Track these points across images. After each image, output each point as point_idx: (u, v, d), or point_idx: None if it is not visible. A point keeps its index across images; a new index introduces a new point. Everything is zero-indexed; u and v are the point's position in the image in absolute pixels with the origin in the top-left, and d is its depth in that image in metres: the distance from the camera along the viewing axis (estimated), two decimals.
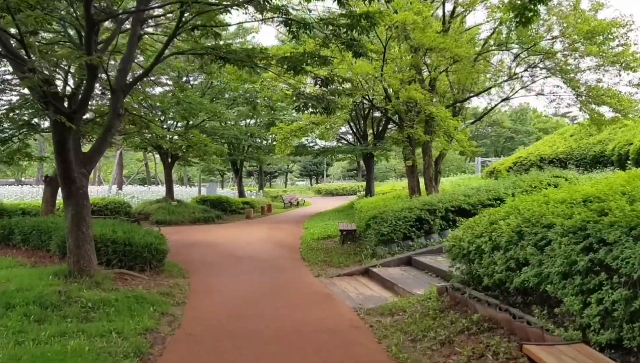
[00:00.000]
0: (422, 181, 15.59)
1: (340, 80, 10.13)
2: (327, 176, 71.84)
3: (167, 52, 9.45)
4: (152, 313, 6.94)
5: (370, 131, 27.34)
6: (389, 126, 27.01)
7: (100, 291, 7.56)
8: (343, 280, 9.81)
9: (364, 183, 49.00)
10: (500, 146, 65.17)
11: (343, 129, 30.86)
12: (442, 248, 10.62)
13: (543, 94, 14.55)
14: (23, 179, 56.34)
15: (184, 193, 33.35)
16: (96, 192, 30.00)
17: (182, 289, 8.81)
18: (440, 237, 11.23)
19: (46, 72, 7.92)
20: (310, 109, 9.63)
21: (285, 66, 9.95)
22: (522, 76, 14.28)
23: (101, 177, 57.62)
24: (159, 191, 31.05)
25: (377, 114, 27.44)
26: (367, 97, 14.90)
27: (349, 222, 17.53)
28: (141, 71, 17.94)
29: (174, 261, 11.28)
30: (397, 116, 14.64)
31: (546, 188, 11.96)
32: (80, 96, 8.10)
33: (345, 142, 30.77)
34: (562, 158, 21.92)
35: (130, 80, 9.19)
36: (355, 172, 67.10)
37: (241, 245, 14.68)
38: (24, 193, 27.04)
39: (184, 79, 23.66)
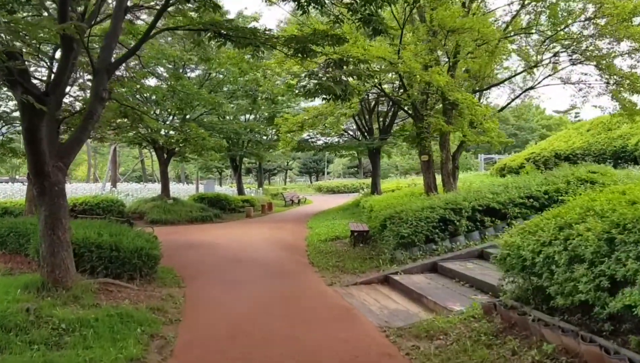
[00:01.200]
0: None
1: (356, 61, 8.89)
2: (328, 173, 70.59)
3: (159, 26, 8.22)
4: (139, 336, 5.72)
5: (375, 126, 26.09)
6: (396, 120, 25.83)
7: (77, 307, 6.33)
8: (361, 289, 8.59)
9: (365, 181, 47.91)
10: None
11: (344, 125, 29.55)
12: (472, 252, 9.49)
13: (572, 83, 13.34)
14: (17, 177, 54.93)
15: (181, 190, 32.11)
16: (89, 190, 28.75)
17: (176, 301, 7.58)
18: (467, 240, 10.02)
19: (18, 45, 6.70)
20: (323, 95, 8.41)
21: (292, 49, 8.77)
22: (550, 62, 13.05)
23: (97, 175, 56.33)
24: (155, 188, 29.75)
25: (382, 108, 26.28)
26: (378, 86, 13.67)
27: (357, 221, 16.35)
28: (138, 63, 16.79)
29: (168, 266, 10.08)
30: (411, 106, 13.41)
31: (582, 185, 10.84)
32: (54, 75, 6.85)
33: (348, 137, 29.46)
34: (579, 153, 20.78)
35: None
36: (356, 169, 65.96)
37: (242, 247, 13.46)
38: (14, 191, 25.77)
39: (181, 70, 22.40)
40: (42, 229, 6.74)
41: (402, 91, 12.88)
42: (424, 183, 13.89)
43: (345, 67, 8.54)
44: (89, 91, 17.16)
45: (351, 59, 9.00)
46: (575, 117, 78.37)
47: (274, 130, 30.10)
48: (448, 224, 10.01)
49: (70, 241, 6.97)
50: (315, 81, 7.95)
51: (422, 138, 12.26)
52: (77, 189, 28.20)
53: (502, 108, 14.63)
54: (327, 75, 7.88)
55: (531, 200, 10.41)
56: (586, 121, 25.97)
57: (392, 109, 24.70)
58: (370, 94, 22.04)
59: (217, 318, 6.72)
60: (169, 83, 17.08)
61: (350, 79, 8.89)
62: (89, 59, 7.22)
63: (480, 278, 7.77)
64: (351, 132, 30.06)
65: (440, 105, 13.51)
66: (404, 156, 43.62)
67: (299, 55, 8.95)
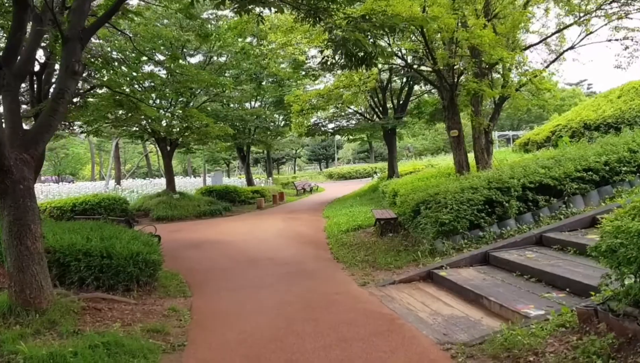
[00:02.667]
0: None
1: (381, 17, 7.39)
2: (337, 159, 69.07)
3: None
4: None
5: (389, 105, 24.51)
6: (410, 98, 24.29)
7: (53, 336, 4.97)
8: (401, 289, 7.18)
9: (377, 165, 46.37)
10: (517, 118, 62.06)
11: (352, 109, 27.71)
12: (528, 238, 8.03)
13: (615, 40, 11.76)
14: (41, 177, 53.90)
15: (188, 184, 30.89)
16: (92, 188, 27.66)
17: (181, 318, 6.23)
18: (519, 224, 8.54)
19: None
20: (347, 59, 6.94)
21: (303, 10, 7.32)
22: (594, 16, 11.47)
23: (102, 173, 55.20)
24: (161, 183, 28.57)
25: (395, 85, 24.72)
26: (399, 53, 12.14)
27: (379, 208, 14.95)
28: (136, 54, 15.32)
29: (172, 271, 8.78)
30: (436, 75, 11.89)
31: None
32: (6, 42, 5.44)
33: (358, 119, 27.84)
34: (611, 122, 19.15)
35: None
36: (366, 154, 64.36)
37: (256, 243, 12.12)
38: None
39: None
40: (7, 239, 5.38)
41: (424, 58, 11.31)
42: (455, 161, 12.41)
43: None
44: (85, 84, 15.82)
45: (374, 16, 7.53)
46: (588, 88, 76.13)
47: (282, 116, 28.66)
48: (495, 207, 8.54)
49: (42, 252, 5.59)
50: (337, 45, 6.45)
51: (454, 111, 10.72)
52: (80, 189, 27.15)
53: (544, 69, 13.07)
54: (355, 25, 6.40)
55: (590, 173, 8.91)
56: (616, 87, 24.21)
57: (407, 85, 23.12)
58: (384, 69, 20.48)
59: (232, 342, 5.33)
60: (166, 66, 15.63)
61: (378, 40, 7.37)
62: (56, 25, 5.78)
63: (550, 271, 6.33)
64: (362, 114, 28.51)
65: (469, 72, 11.96)
66: (417, 137, 41.97)
67: (310, 19, 7.50)
